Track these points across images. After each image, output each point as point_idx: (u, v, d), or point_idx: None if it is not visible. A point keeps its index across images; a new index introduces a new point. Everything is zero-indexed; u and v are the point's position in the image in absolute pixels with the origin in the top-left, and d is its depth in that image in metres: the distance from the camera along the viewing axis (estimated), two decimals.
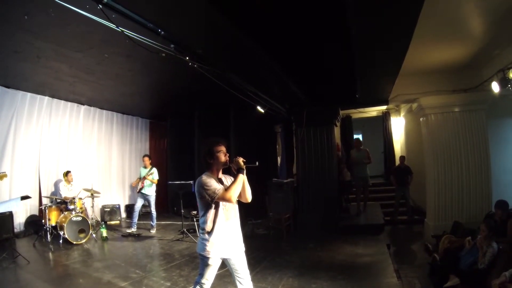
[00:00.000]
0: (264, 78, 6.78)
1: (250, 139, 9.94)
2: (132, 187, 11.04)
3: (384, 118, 12.32)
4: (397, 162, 10.70)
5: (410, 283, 5.19)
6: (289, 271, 5.18)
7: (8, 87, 7.90)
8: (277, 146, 11.38)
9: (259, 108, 7.79)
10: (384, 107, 11.57)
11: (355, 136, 12.48)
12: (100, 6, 3.19)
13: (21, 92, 8.24)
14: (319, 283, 4.60)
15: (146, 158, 8.76)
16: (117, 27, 3.77)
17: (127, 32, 4.04)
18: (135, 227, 8.54)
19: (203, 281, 3.32)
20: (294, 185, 9.24)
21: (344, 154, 9.54)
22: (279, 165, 11.31)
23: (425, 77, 7.87)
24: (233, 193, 3.08)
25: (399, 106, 11.66)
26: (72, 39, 5.24)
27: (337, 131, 10.36)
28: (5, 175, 5.83)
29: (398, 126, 12.33)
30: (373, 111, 12.12)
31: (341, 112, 9.88)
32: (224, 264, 3.34)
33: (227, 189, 3.14)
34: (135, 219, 8.56)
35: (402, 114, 11.89)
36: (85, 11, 3.72)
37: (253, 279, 3.37)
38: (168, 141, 12.76)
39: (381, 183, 11.89)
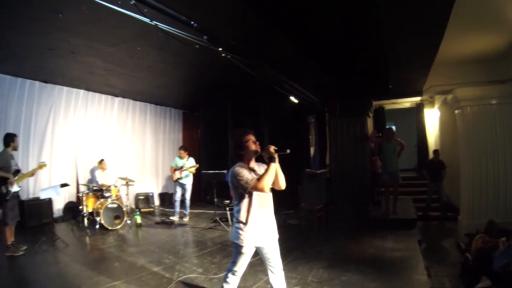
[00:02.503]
0: (297, 69, 6.75)
1: (283, 129, 9.94)
2: (168, 176, 11.48)
3: (417, 110, 12.00)
4: (431, 155, 10.44)
5: (440, 281, 5.09)
6: (319, 262, 5.17)
7: (45, 82, 8.35)
8: (310, 137, 11.31)
9: (292, 98, 7.75)
10: (418, 98, 11.25)
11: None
12: (133, 1, 3.28)
13: (58, 87, 8.68)
14: (349, 276, 4.57)
15: (182, 151, 8.97)
16: (151, 20, 3.86)
17: (161, 25, 4.11)
18: (177, 216, 8.78)
19: (235, 268, 3.38)
20: (327, 176, 9.16)
21: (377, 145, 9.32)
22: (312, 155, 11.27)
23: (461, 68, 7.51)
24: (266, 183, 3.07)
25: (433, 97, 11.24)
26: (105, 35, 5.42)
27: (370, 122, 10.17)
28: (45, 165, 6.15)
29: (432, 118, 11.91)
30: (407, 102, 11.82)
31: (374, 103, 9.69)
32: (257, 253, 3.38)
33: (259, 178, 3.13)
34: (177, 209, 8.81)
35: (437, 105, 11.43)
36: (118, 7, 3.82)
37: (283, 269, 3.40)
38: (201, 131, 12.92)
39: (414, 177, 11.61)
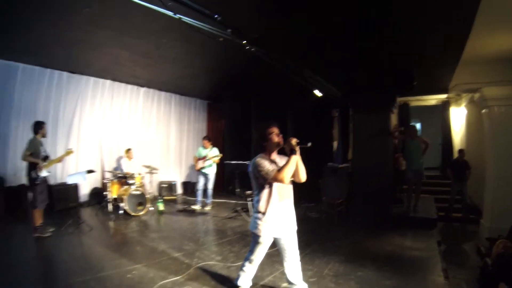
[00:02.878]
0: (322, 63, 6.72)
1: (306, 123, 9.92)
2: (190, 165, 11.72)
3: (443, 108, 11.71)
4: (455, 155, 10.19)
5: (458, 285, 5.00)
6: (336, 257, 5.17)
7: (73, 72, 8.65)
8: (334, 131, 11.23)
9: (316, 92, 7.71)
10: (444, 96, 10.99)
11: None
12: None
13: (85, 77, 8.99)
14: (365, 271, 4.56)
15: (206, 141, 9.06)
16: (175, 14, 3.94)
17: (185, 18, 4.19)
18: (199, 205, 8.93)
19: (252, 257, 3.48)
20: (348, 171, 9.08)
21: (401, 142, 9.12)
22: (335, 149, 11.20)
23: (489, 66, 7.23)
24: (286, 174, 3.11)
25: (460, 95, 10.86)
26: (131, 28, 5.60)
27: (394, 118, 9.95)
28: (72, 151, 6.38)
29: (459, 117, 11.54)
30: (432, 99, 11.53)
31: (399, 100, 9.49)
32: (274, 244, 3.45)
33: (279, 170, 3.18)
34: (199, 197, 8.96)
35: (464, 104, 11.03)
36: (143, 1, 3.93)
37: (301, 261, 3.45)
38: (225, 122, 12.97)
39: (437, 175, 11.37)
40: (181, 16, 4.05)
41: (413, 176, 8.07)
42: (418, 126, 13.04)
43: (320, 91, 7.74)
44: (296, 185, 3.42)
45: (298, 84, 7.28)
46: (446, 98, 11.31)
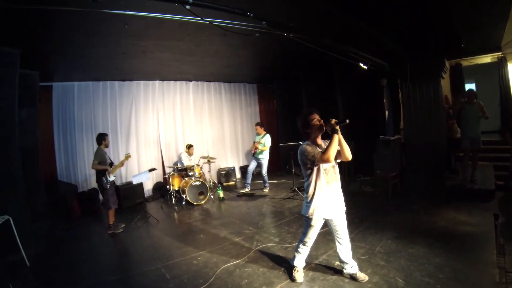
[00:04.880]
0: (360, 39, 6.60)
1: (355, 96, 9.81)
2: (246, 150, 12.09)
3: (500, 65, 10.86)
4: None
5: None
6: (389, 233, 5.19)
7: (123, 80, 9.33)
8: (384, 100, 10.94)
9: (361, 65, 7.54)
10: (499, 53, 10.24)
11: (467, 86, 11.01)
12: (188, 6, 3.56)
13: (135, 82, 9.66)
14: (416, 248, 4.54)
15: (258, 127, 9.30)
16: (202, 19, 4.12)
17: (217, 21, 4.36)
18: (249, 187, 9.25)
19: (305, 239, 3.75)
20: (401, 142, 8.83)
21: (455, 108, 8.55)
22: (387, 120, 10.93)
23: None
24: (331, 153, 3.24)
25: None
26: (170, 32, 5.95)
27: (446, 82, 9.34)
28: (129, 156, 6.94)
29: None
30: (487, 57, 10.79)
31: (450, 61, 9.01)
32: (326, 224, 3.68)
33: (324, 151, 3.33)
34: (249, 180, 9.27)
35: None
36: (174, 14, 4.28)
37: (354, 238, 3.60)
38: (276, 102, 13.02)
39: (496, 141, 10.20)
40: (211, 20, 4.23)
41: (469, 144, 7.49)
42: (473, 87, 12.16)
43: (365, 64, 7.55)
44: (351, 159, 3.53)
45: (343, 60, 7.19)
46: (502, 54, 10.50)
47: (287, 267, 4.15)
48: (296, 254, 3.93)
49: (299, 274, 3.86)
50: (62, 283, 4.38)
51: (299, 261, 3.93)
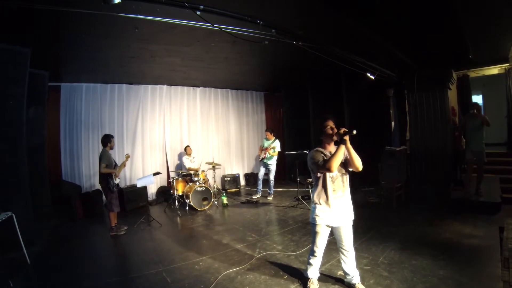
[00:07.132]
0: (368, 49, 6.61)
1: (362, 105, 9.79)
2: (253, 157, 12.09)
3: (507, 76, 10.80)
4: None
5: None
6: (393, 244, 5.16)
7: (131, 83, 9.42)
8: (391, 111, 10.91)
9: (368, 75, 7.55)
10: (507, 64, 10.19)
11: (474, 98, 10.90)
12: (199, 12, 3.58)
13: (142, 86, 9.74)
14: (420, 260, 4.51)
15: (267, 132, 9.38)
16: (213, 25, 4.15)
17: (226, 27, 4.37)
18: (260, 194, 9.28)
19: (314, 248, 3.72)
20: (407, 153, 8.82)
21: (462, 119, 8.49)
22: (393, 131, 10.89)
23: None
24: (332, 163, 3.22)
25: None
26: (179, 38, 5.98)
27: (453, 93, 9.29)
28: (129, 156, 7.07)
29: None
30: (494, 68, 10.75)
31: (457, 72, 8.96)
32: (332, 233, 3.65)
33: (327, 159, 3.32)
34: (260, 186, 9.33)
35: None
36: (184, 19, 4.30)
37: (358, 248, 3.56)
38: (283, 111, 13.00)
39: (503, 153, 10.13)
40: (222, 26, 4.26)
41: (472, 158, 7.49)
42: (480, 99, 12.09)
43: (372, 74, 7.57)
44: (356, 171, 3.52)
45: (352, 69, 7.20)
46: (510, 65, 10.46)
47: (301, 278, 4.10)
48: (308, 265, 3.90)
49: (314, 286, 3.82)
50: (62, 283, 4.38)
51: (313, 272, 3.89)
